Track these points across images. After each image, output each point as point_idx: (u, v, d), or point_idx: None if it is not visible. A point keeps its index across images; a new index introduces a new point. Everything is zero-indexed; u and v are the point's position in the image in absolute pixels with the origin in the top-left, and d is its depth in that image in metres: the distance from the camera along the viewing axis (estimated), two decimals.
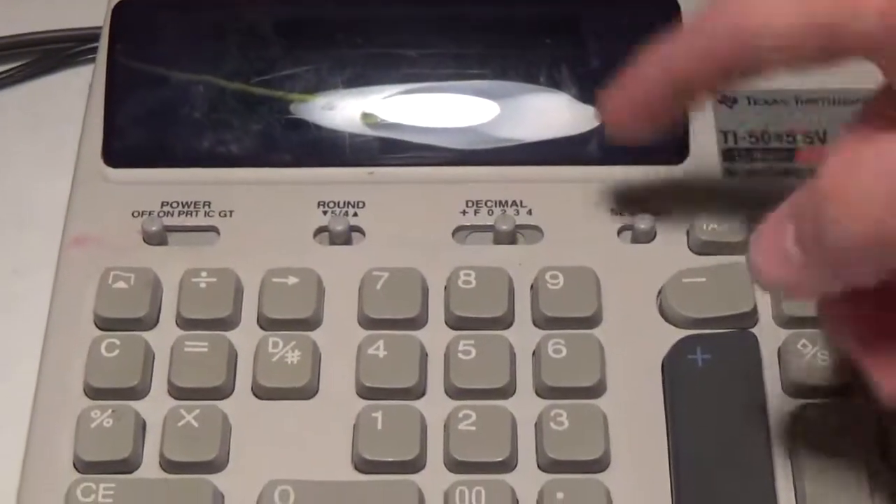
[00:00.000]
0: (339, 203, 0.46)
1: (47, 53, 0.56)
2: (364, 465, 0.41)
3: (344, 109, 0.48)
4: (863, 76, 0.47)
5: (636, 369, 0.43)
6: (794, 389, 0.42)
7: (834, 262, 0.34)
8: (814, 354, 0.43)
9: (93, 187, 0.47)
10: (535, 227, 0.46)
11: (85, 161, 0.47)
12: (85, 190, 0.47)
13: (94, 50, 0.52)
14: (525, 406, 0.42)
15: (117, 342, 0.43)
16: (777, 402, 0.42)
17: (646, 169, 0.47)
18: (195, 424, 0.41)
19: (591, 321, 0.44)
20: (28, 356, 0.44)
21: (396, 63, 0.49)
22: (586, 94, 0.48)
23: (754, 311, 0.44)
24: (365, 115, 0.48)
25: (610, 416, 0.42)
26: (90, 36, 0.54)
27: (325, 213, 0.46)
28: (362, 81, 0.48)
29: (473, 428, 0.41)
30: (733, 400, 0.42)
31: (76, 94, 0.53)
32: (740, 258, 0.45)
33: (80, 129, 0.48)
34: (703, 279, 0.44)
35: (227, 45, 0.48)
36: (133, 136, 0.47)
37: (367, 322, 0.43)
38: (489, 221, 0.46)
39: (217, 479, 0.41)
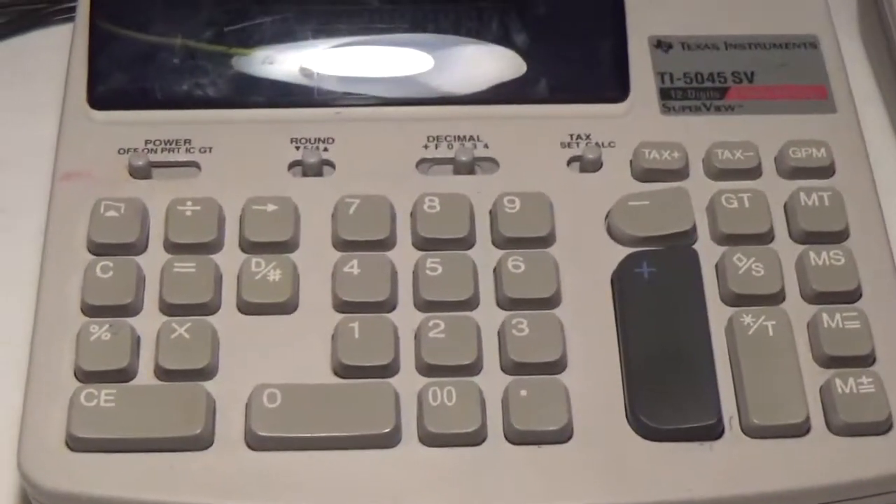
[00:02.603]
0: (310, 139, 0.50)
1: (22, 14, 0.59)
2: (343, 371, 0.45)
3: (314, 56, 0.51)
4: (788, 22, 0.52)
5: (588, 282, 0.47)
6: (730, 298, 0.47)
7: None
8: (748, 267, 0.47)
9: (79, 128, 0.50)
10: (492, 160, 0.50)
11: (71, 105, 0.50)
12: (72, 131, 0.50)
13: (67, 10, 0.56)
14: (489, 316, 0.46)
15: (111, 264, 0.46)
16: (716, 310, 0.47)
17: (591, 107, 0.51)
18: (187, 336, 0.45)
19: (546, 241, 0.48)
20: (18, 284, 0.48)
21: (361, 15, 0.52)
22: (534, 39, 0.52)
23: (693, 229, 0.48)
24: (333, 61, 0.51)
25: (566, 323, 0.46)
26: None
27: (297, 148, 0.50)
28: (331, 32, 0.52)
29: (443, 335, 0.45)
30: (677, 308, 0.46)
31: (51, 51, 0.56)
32: (679, 183, 0.49)
33: (61, 81, 0.52)
34: (647, 202, 0.48)
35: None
36: (116, 80, 0.51)
37: (342, 244, 0.47)
38: (449, 154, 0.49)
39: (209, 385, 0.45)
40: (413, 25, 0.52)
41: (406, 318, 0.46)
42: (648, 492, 0.44)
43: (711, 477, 0.44)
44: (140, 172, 0.49)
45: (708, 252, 0.48)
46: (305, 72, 0.51)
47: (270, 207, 0.48)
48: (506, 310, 0.46)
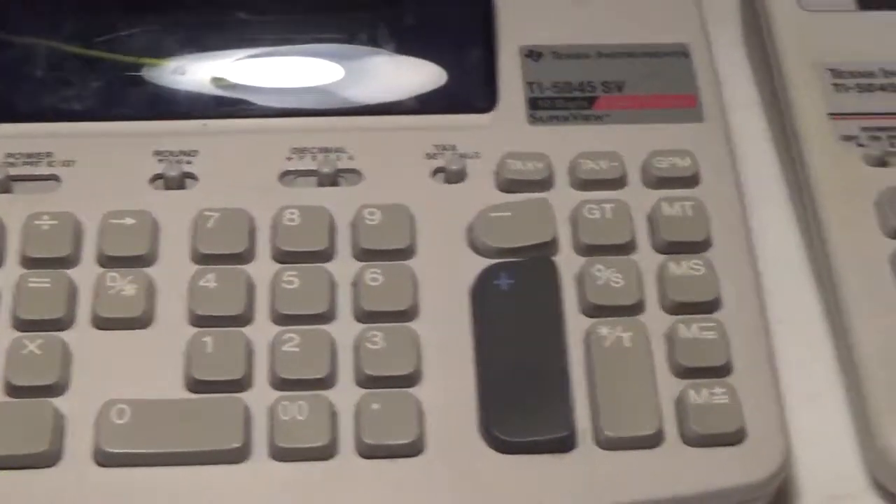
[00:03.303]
0: (174, 152, 0.50)
1: None
2: (195, 385, 0.45)
3: (179, 67, 0.51)
4: (660, 31, 0.52)
5: (448, 295, 0.47)
6: (589, 310, 0.47)
7: None
8: (607, 278, 0.47)
9: None
10: (356, 171, 0.49)
11: None
12: None
13: None
14: (345, 329, 0.46)
15: None
16: (574, 321, 0.46)
17: (457, 117, 0.51)
18: (37, 352, 0.45)
19: (406, 253, 0.47)
20: None
21: (228, 26, 0.52)
22: (403, 50, 0.52)
23: (554, 241, 0.48)
24: (199, 73, 0.51)
25: (423, 336, 0.46)
26: None
27: (160, 161, 0.49)
28: (197, 43, 0.52)
29: (296, 349, 0.45)
30: (534, 319, 0.46)
31: None
32: (543, 194, 0.49)
33: None
34: (509, 213, 0.48)
35: (66, 9, 0.52)
36: None
37: (199, 257, 0.47)
38: (313, 166, 0.49)
39: (59, 402, 0.44)
40: (280, 37, 0.52)
41: (261, 331, 0.46)
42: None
43: (563, 489, 0.44)
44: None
45: (569, 263, 0.48)
46: (171, 83, 0.51)
47: (128, 221, 0.47)
48: (362, 323, 0.46)
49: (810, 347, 0.49)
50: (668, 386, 0.45)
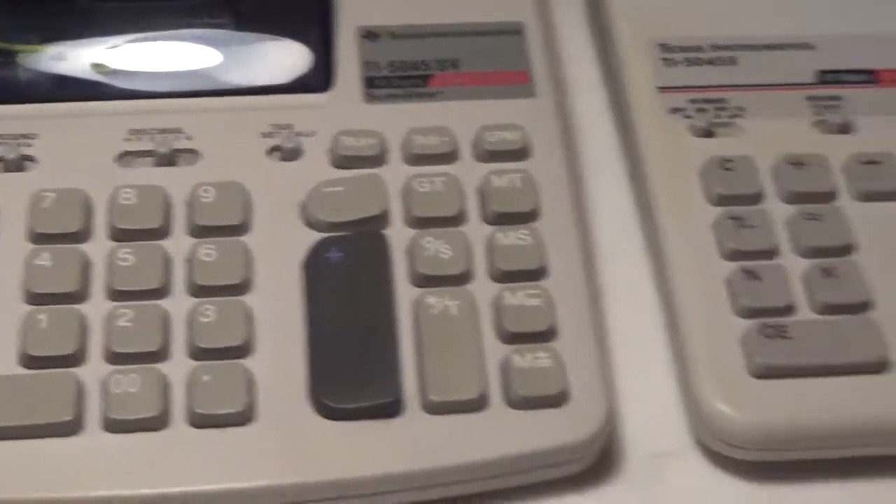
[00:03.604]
0: (13, 135, 0.50)
1: None
2: (28, 361, 0.45)
3: (19, 52, 0.52)
4: (496, 10, 0.54)
5: (281, 269, 0.48)
6: (418, 280, 0.48)
7: None
8: (436, 249, 0.48)
9: None
10: (194, 151, 0.50)
11: None
12: None
13: None
14: (179, 304, 0.47)
15: None
16: (405, 291, 0.48)
17: (294, 97, 0.52)
18: None
19: (240, 229, 0.48)
20: None
21: (69, 13, 0.53)
22: (241, 32, 0.53)
23: (385, 214, 0.49)
24: (38, 57, 0.52)
25: (255, 309, 0.47)
26: None
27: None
28: (36, 29, 0.52)
29: (130, 324, 0.46)
30: (363, 291, 0.47)
31: None
32: (375, 170, 0.50)
33: None
34: (341, 188, 0.49)
35: None
36: None
37: (34, 237, 0.48)
38: (150, 147, 0.50)
39: None
40: (118, 21, 0.53)
41: (97, 308, 0.47)
42: (328, 470, 0.45)
43: (390, 453, 0.45)
44: None
45: (401, 236, 0.49)
46: (8, 67, 0.52)
47: None
48: (196, 297, 0.47)
49: (641, 313, 0.51)
50: (495, 352, 0.47)
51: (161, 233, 0.48)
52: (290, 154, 0.50)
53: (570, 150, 0.54)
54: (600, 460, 0.47)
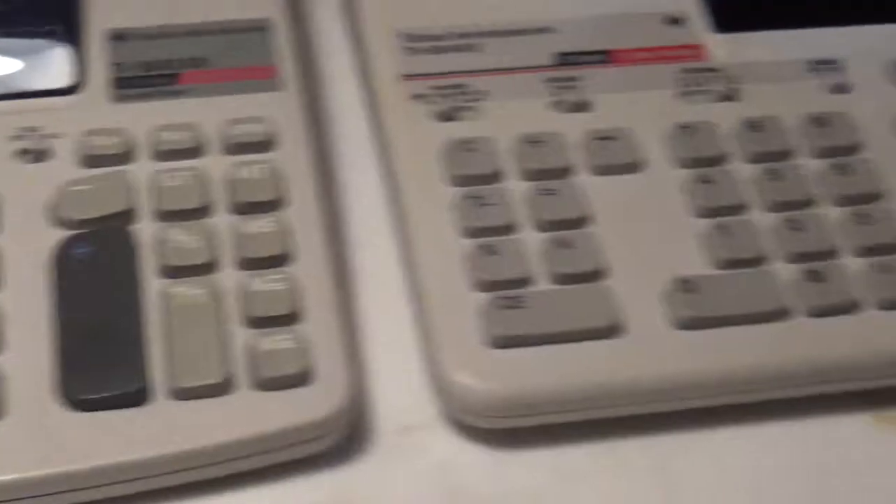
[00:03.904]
0: None
1: None
2: None
3: None
4: (241, 9, 0.55)
5: (29, 268, 0.49)
6: (166, 272, 0.49)
7: None
8: (182, 241, 0.49)
9: None
10: None
11: None
12: None
13: None
14: None
15: None
16: (153, 283, 0.49)
17: (41, 100, 0.53)
18: None
19: None
20: None
21: None
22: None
23: (132, 210, 0.50)
24: None
25: (5, 307, 0.48)
26: None
27: None
28: None
29: None
30: (109, 285, 0.48)
31: None
32: (123, 168, 0.51)
33: None
34: (88, 186, 0.51)
35: None
36: None
37: None
38: None
39: None
40: None
41: None
42: (77, 460, 0.46)
43: (138, 440, 0.46)
44: None
45: (149, 230, 0.50)
46: None
47: None
48: None
49: (391, 295, 0.52)
50: (241, 337, 0.48)
51: None
52: (39, 156, 0.51)
53: (322, 140, 0.56)
54: (352, 436, 0.49)
